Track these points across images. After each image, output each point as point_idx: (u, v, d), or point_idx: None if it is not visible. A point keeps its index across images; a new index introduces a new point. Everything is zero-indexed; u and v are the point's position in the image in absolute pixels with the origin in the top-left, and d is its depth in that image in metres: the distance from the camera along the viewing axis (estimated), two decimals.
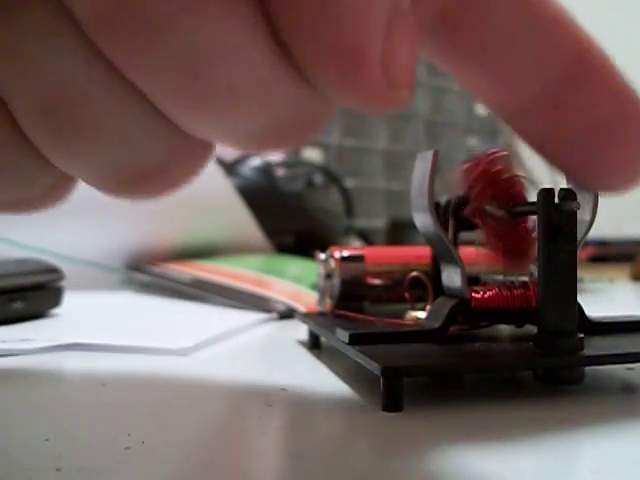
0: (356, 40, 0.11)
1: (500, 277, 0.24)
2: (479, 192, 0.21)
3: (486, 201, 0.22)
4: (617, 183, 0.16)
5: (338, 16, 0.10)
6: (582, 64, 0.14)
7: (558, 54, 0.14)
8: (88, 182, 0.13)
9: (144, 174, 0.13)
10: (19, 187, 0.14)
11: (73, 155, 0.12)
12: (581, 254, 0.20)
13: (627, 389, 0.21)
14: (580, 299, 0.20)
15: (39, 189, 0.14)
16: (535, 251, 0.21)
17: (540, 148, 0.15)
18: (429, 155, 0.21)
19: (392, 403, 0.18)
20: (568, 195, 0.20)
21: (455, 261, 0.22)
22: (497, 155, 0.22)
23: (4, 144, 0.12)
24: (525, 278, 0.23)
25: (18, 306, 0.32)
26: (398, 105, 0.12)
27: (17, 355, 0.26)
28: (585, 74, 0.14)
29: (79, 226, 0.47)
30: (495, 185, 0.21)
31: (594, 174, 0.15)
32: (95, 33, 0.11)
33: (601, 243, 0.74)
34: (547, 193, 0.20)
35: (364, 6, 0.11)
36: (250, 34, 0.11)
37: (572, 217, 0.20)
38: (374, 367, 0.18)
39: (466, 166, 0.22)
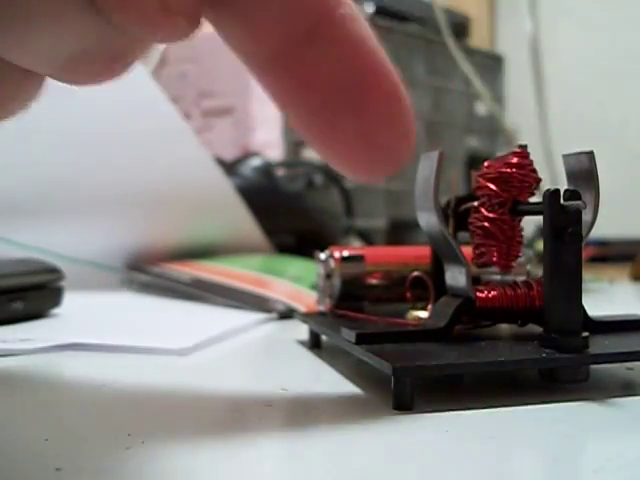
0: None
1: (498, 277, 0.24)
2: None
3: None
4: (361, 160, 0.15)
5: None
6: (327, 23, 0.14)
7: (302, 8, 0.14)
8: (35, 68, 0.14)
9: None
10: None
11: (16, 43, 0.13)
12: None
13: (628, 388, 0.21)
14: None
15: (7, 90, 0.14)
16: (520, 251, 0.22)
17: (285, 107, 0.15)
18: (434, 155, 0.21)
19: (403, 402, 0.18)
20: (574, 195, 0.20)
21: (460, 261, 0.22)
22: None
23: None
24: (522, 278, 0.23)
25: (18, 306, 0.32)
26: (177, 33, 0.12)
27: (17, 355, 0.26)
28: (330, 34, 0.14)
29: (79, 226, 0.47)
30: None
31: (334, 144, 0.15)
32: None
33: (601, 243, 0.74)
34: (553, 193, 0.20)
35: None
36: None
37: (578, 217, 0.19)
38: (385, 366, 0.18)
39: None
